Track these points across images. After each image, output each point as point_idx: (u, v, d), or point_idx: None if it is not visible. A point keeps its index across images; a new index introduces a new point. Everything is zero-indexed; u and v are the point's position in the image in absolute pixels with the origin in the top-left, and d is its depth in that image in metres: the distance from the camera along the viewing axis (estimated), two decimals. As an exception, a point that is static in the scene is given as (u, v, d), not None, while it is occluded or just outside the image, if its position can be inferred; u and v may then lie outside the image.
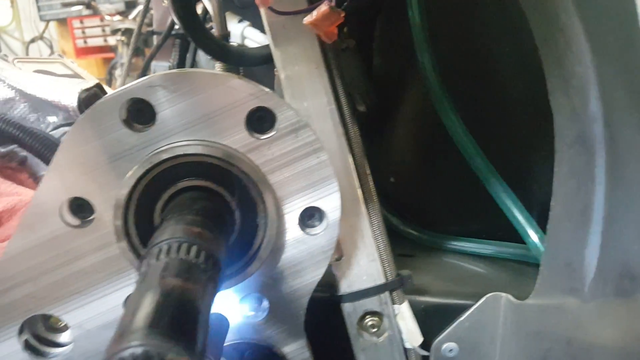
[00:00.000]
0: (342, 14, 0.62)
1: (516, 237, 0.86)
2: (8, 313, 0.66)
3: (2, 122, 1.27)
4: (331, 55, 0.73)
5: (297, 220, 0.67)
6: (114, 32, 5.15)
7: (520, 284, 0.82)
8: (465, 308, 0.77)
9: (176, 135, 0.62)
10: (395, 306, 0.75)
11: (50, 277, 0.64)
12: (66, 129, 1.36)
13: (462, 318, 0.77)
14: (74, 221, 0.63)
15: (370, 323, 0.75)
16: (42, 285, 0.65)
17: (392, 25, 0.94)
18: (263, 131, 0.64)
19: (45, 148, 1.28)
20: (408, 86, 0.92)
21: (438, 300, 0.79)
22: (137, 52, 5.34)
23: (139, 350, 0.36)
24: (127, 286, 0.65)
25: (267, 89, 0.64)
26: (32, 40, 6.26)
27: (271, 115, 0.63)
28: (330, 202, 0.66)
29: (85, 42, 5.81)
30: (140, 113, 0.61)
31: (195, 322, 0.42)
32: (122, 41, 5.09)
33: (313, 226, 0.68)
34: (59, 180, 0.62)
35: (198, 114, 0.62)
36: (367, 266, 0.74)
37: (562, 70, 0.59)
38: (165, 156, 0.61)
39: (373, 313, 0.75)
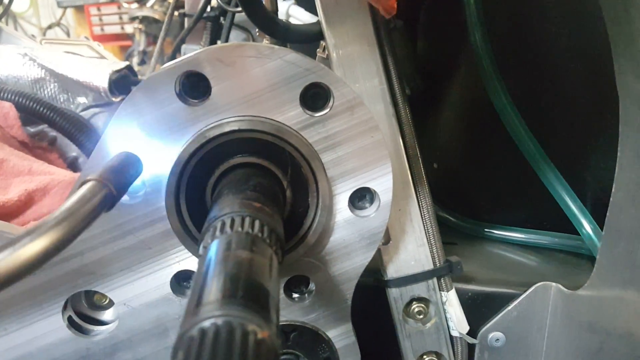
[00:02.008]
0: (404, -12, 0.60)
1: (562, 227, 0.84)
2: (54, 288, 0.65)
3: (33, 101, 1.26)
4: (384, 34, 0.71)
5: (347, 201, 0.65)
6: (132, 19, 5.15)
7: (568, 274, 0.80)
8: (512, 297, 0.76)
9: (229, 110, 0.60)
10: (443, 293, 0.73)
11: (98, 253, 0.63)
12: (96, 110, 1.35)
13: (509, 307, 0.75)
14: (124, 196, 0.62)
15: (416, 309, 0.73)
16: (89, 261, 0.63)
17: (440, 8, 0.91)
18: (317, 108, 0.62)
19: (76, 129, 1.28)
20: (455, 69, 0.89)
21: (485, 288, 0.77)
22: (154, 39, 5.34)
23: (220, 321, 0.34)
24: (174, 264, 0.64)
25: (322, 65, 0.62)
26: (49, 27, 6.27)
27: (326, 92, 0.61)
28: (382, 184, 0.65)
29: (102, 29, 5.82)
30: (194, 87, 0.60)
31: (268, 295, 0.40)
32: (140, 29, 5.09)
33: (364, 208, 0.66)
34: (109, 154, 0.60)
35: (253, 89, 0.60)
36: (416, 251, 0.72)
37: (634, 50, 0.56)
38: (218, 131, 0.60)
39: (420, 299, 0.73)
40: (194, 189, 0.62)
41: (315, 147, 0.62)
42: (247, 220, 0.48)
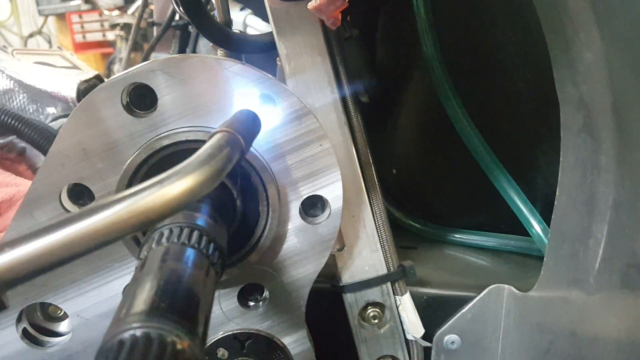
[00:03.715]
0: None
1: (519, 230, 0.86)
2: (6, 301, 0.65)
3: (1, 113, 1.26)
4: (335, 44, 0.72)
5: (299, 209, 0.66)
6: (113, 26, 5.13)
7: (523, 276, 0.81)
8: (467, 300, 0.77)
9: (177, 121, 0.61)
10: (397, 297, 0.74)
11: (49, 265, 0.63)
12: (64, 120, 1.35)
13: (464, 310, 0.76)
14: (74, 208, 0.62)
15: (372, 314, 0.74)
16: (40, 273, 0.64)
17: (397, 15, 0.93)
18: (266, 118, 0.63)
19: (44, 139, 1.28)
20: (412, 77, 0.91)
21: (440, 292, 0.78)
22: (135, 47, 5.34)
23: (138, 333, 0.35)
24: (126, 274, 0.65)
25: (270, 75, 0.63)
26: (31, 35, 6.23)
27: (274, 101, 0.62)
28: (332, 191, 0.66)
29: (84, 37, 5.79)
30: (141, 98, 0.60)
31: (197, 307, 0.41)
32: (121, 36, 5.07)
33: (315, 215, 0.67)
34: (58, 166, 0.61)
35: (200, 100, 0.61)
36: (369, 257, 0.73)
37: (570, 57, 0.58)
38: (166, 142, 0.61)
39: (375, 304, 0.74)
40: (144, 200, 0.63)
41: (264, 157, 0.63)
42: (185, 231, 0.49)
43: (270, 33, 0.75)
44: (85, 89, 1.32)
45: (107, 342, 0.35)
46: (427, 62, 0.80)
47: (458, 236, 0.92)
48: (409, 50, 0.90)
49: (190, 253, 0.47)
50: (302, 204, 0.66)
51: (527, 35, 0.76)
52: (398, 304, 0.74)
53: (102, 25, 5.65)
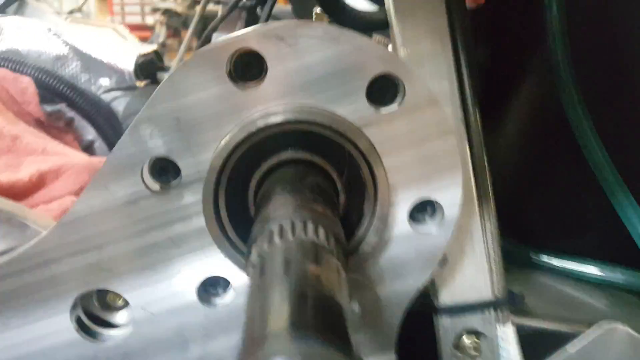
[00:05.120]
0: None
1: (630, 261, 0.76)
2: (64, 283, 0.56)
3: (54, 79, 1.19)
4: (458, 30, 0.63)
5: (407, 213, 0.57)
6: (154, 10, 5.13)
7: (636, 316, 0.71)
8: (569, 336, 0.67)
9: (285, 97, 0.53)
10: (499, 327, 0.65)
11: (119, 247, 0.55)
12: (117, 93, 1.28)
13: (567, 347, 0.66)
14: (155, 185, 0.54)
15: (469, 343, 0.65)
16: (108, 255, 0.55)
17: (513, 8, 0.83)
18: (384, 103, 0.54)
19: (95, 111, 1.21)
20: (523, 80, 0.81)
21: (541, 324, 0.68)
22: (175, 33, 5.33)
23: None
24: (205, 267, 0.56)
25: (397, 55, 0.54)
26: (71, 12, 6.25)
27: (396, 85, 0.53)
28: (449, 197, 0.57)
29: (123, 18, 5.81)
30: (247, 67, 0.52)
31: (343, 318, 0.32)
32: (161, 22, 5.06)
33: (423, 222, 0.58)
34: (145, 136, 0.52)
35: (314, 75, 0.52)
36: (474, 277, 0.64)
37: None
38: (271, 120, 0.52)
39: (473, 332, 0.65)
40: (236, 184, 0.54)
41: (378, 148, 0.54)
42: (310, 227, 0.40)
43: (381, 12, 0.67)
44: (143, 63, 1.25)
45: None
46: (552, 65, 0.70)
47: (558, 262, 0.81)
48: (520, 50, 0.81)
49: (318, 251, 0.38)
50: (412, 207, 0.57)
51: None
52: (500, 335, 0.64)
53: (142, 9, 5.67)
